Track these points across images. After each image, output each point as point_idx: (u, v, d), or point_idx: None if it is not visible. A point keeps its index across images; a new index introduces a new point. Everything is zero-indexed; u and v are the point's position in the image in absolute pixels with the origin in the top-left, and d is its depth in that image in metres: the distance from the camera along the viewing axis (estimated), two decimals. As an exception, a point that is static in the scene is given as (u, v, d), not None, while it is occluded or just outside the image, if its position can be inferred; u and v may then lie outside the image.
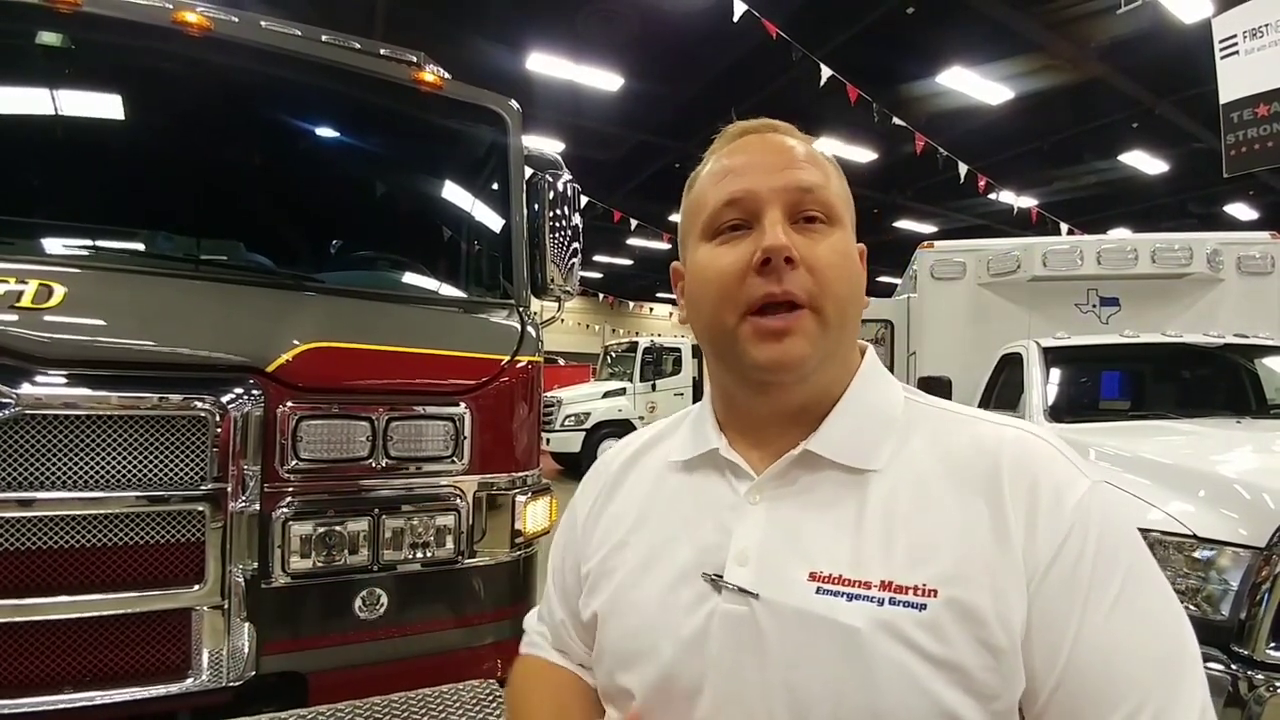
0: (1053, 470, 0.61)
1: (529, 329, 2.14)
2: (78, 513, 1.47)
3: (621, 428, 11.85)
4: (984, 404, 4.11)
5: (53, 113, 2.00)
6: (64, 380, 1.46)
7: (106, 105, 2.02)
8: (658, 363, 13.02)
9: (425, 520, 1.79)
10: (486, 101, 2.40)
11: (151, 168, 2.07)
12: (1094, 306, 5.02)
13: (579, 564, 0.80)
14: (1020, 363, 3.93)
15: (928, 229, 16.94)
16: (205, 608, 1.57)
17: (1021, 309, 5.11)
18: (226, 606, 1.58)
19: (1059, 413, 3.55)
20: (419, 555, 1.79)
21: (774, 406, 0.69)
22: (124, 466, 1.51)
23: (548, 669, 0.84)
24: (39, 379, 1.44)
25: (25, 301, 1.48)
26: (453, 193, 2.54)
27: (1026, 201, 12.60)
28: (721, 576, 0.64)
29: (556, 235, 2.55)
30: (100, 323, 1.55)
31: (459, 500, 1.84)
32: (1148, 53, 8.71)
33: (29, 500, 1.43)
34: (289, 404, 1.66)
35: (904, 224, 16.76)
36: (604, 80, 9.83)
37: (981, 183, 9.77)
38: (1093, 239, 5.42)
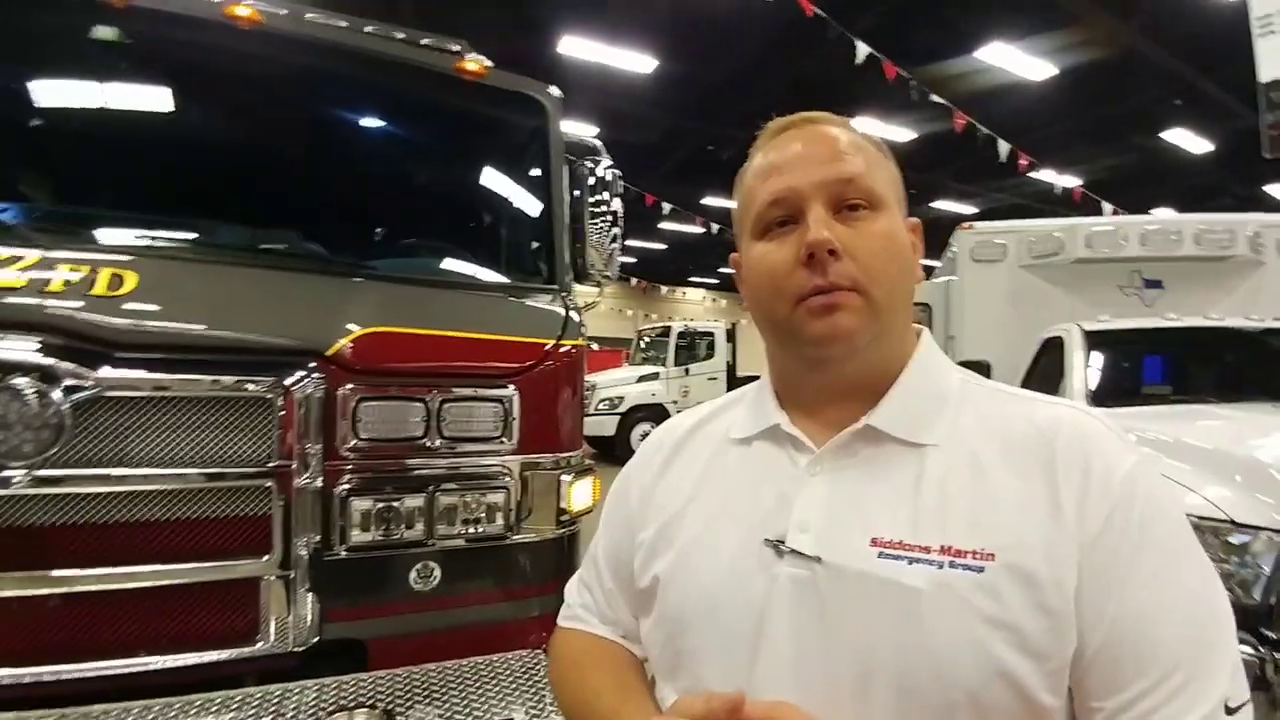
0: (1104, 447, 0.65)
1: (572, 313, 2.19)
2: (153, 488, 1.56)
3: (655, 412, 11.95)
4: (1024, 388, 4.06)
5: (111, 107, 2.10)
6: (137, 363, 1.55)
7: (162, 99, 2.12)
8: (691, 347, 13.06)
9: (476, 497, 1.86)
10: (528, 89, 2.44)
11: (207, 160, 2.15)
12: (1137, 289, 4.89)
13: (634, 532, 0.82)
14: (1061, 347, 3.88)
15: (967, 210, 16.56)
16: (272, 577, 1.66)
17: (1063, 291, 4.98)
18: (292, 576, 1.67)
19: (1100, 397, 3.50)
20: (470, 530, 1.86)
21: (829, 382, 0.73)
22: (196, 445, 1.60)
23: (600, 645, 0.85)
24: (114, 362, 1.53)
25: (99, 289, 1.56)
26: (496, 180, 2.59)
27: (1069, 181, 12.25)
28: (784, 542, 0.68)
29: (597, 221, 2.59)
30: (169, 309, 1.62)
31: (507, 478, 1.91)
32: (1189, 28, 8.39)
33: (106, 476, 1.52)
34: (348, 386, 1.73)
35: (942, 204, 16.41)
36: (637, 63, 9.78)
37: (1023, 161, 9.51)
38: (1137, 219, 5.26)
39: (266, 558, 1.65)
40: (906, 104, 8.62)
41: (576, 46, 9.23)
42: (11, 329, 1.44)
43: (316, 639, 1.71)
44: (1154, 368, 3.88)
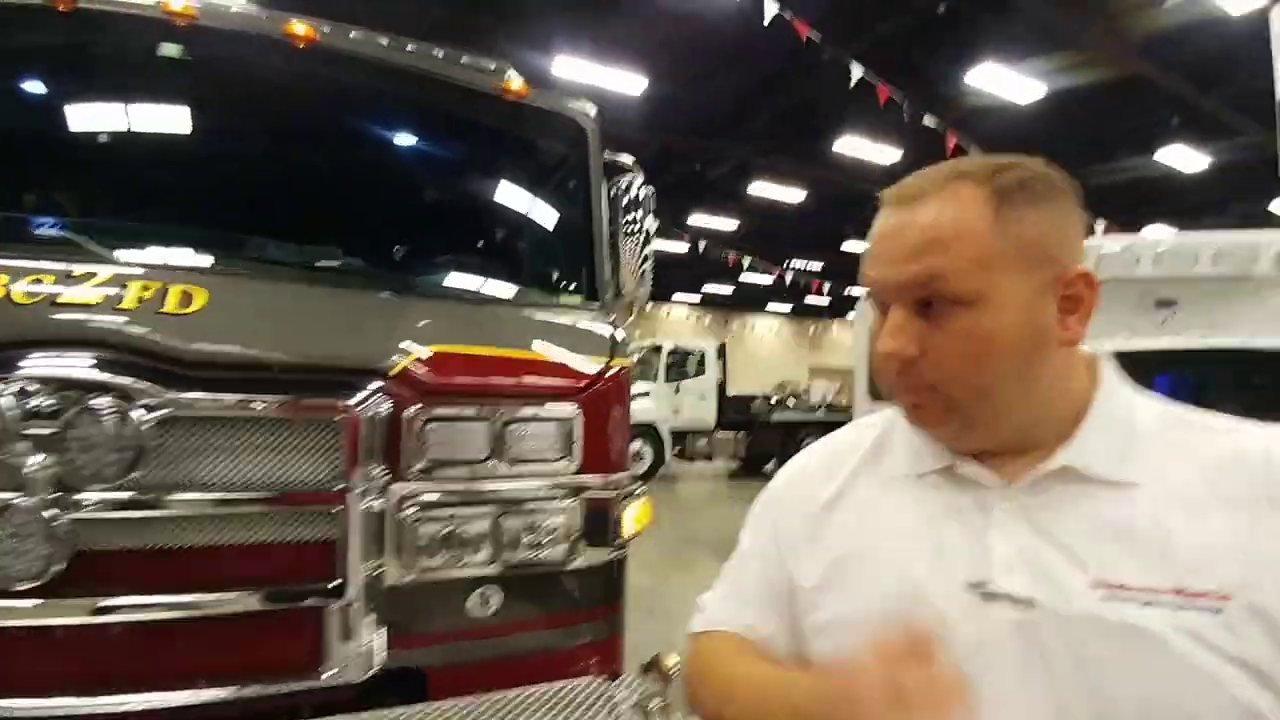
0: None
1: (617, 334, 2.17)
2: (222, 511, 1.51)
3: (646, 430, 11.89)
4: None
5: (172, 124, 2.08)
6: (210, 383, 1.51)
7: (222, 117, 2.08)
8: (681, 365, 13.05)
9: (539, 520, 1.82)
10: (568, 108, 2.44)
11: (259, 176, 2.12)
12: (1151, 310, 4.90)
13: (791, 575, 0.80)
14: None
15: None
16: (335, 603, 1.60)
17: None
18: (356, 604, 1.62)
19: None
20: (531, 555, 1.82)
21: (973, 450, 0.72)
22: (263, 466, 1.55)
23: (746, 641, 0.82)
24: (187, 382, 1.48)
25: (169, 307, 1.52)
26: (538, 199, 2.58)
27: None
28: (987, 585, 0.66)
29: (630, 240, 2.59)
30: (239, 328, 1.59)
31: (569, 501, 1.87)
32: (1193, 47, 8.43)
33: (179, 499, 1.47)
34: (413, 407, 1.69)
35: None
36: (628, 83, 9.82)
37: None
38: (1149, 240, 5.30)
39: (330, 583, 1.60)
40: (900, 125, 8.72)
41: (569, 67, 9.25)
42: (88, 347, 1.41)
43: (378, 668, 1.65)
44: (1177, 390, 3.88)
